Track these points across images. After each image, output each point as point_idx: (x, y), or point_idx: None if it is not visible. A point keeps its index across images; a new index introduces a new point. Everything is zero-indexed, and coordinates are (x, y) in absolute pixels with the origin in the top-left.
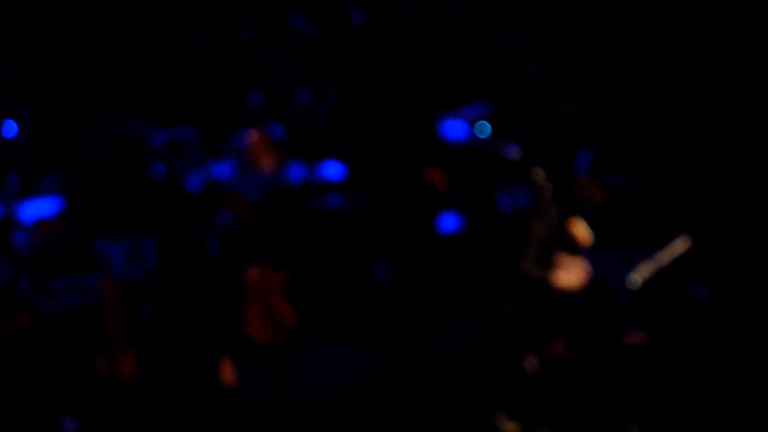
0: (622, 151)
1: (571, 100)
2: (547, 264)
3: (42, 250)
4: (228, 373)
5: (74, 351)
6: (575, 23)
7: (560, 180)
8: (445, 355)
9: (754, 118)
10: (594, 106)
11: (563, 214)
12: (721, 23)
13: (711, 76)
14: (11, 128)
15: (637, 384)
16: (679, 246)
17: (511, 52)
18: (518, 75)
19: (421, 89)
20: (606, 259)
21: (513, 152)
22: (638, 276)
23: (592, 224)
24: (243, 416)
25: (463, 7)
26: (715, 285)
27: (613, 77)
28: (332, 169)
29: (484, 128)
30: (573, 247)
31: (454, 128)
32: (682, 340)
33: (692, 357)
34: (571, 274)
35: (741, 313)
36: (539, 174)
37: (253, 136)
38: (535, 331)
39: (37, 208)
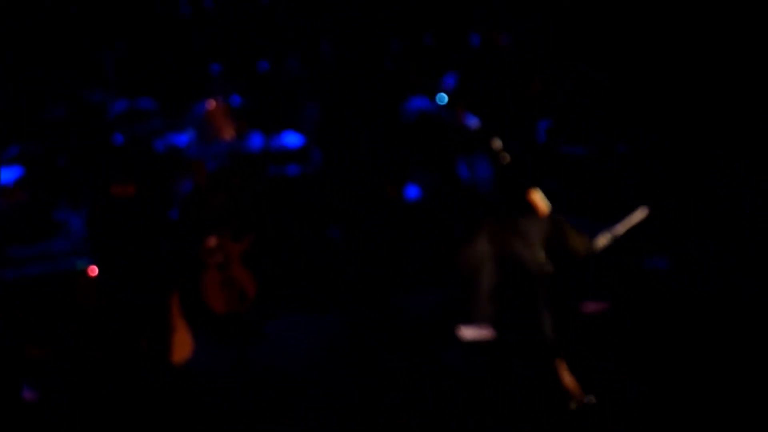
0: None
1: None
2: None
3: (3, 218)
4: (186, 342)
5: (36, 319)
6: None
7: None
8: (406, 322)
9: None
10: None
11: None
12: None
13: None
14: None
15: (594, 354)
16: (637, 216)
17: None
18: (487, 46)
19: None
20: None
21: (472, 122)
22: (596, 244)
23: (553, 194)
24: (205, 387)
25: None
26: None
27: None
28: (292, 138)
29: (442, 98)
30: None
31: (415, 100)
32: (641, 309)
33: (650, 327)
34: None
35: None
36: (497, 144)
37: (212, 105)
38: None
39: None
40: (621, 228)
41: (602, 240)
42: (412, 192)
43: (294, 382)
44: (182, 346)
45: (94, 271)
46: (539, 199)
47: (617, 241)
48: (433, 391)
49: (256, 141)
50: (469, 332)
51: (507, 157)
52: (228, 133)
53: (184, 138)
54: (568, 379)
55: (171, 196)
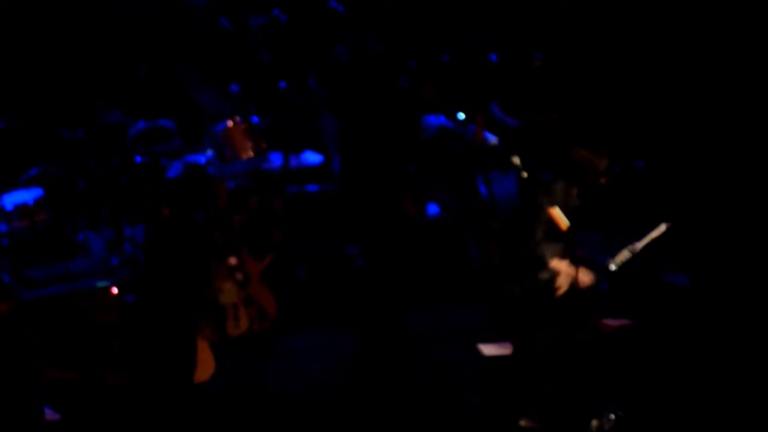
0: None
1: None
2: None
3: (23, 239)
4: (208, 361)
5: (57, 339)
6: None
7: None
8: (423, 341)
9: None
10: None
11: (568, 186)
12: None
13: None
14: None
15: (614, 369)
16: (656, 233)
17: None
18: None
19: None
20: (584, 245)
21: (491, 139)
22: (615, 261)
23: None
24: (224, 405)
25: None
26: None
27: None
28: (311, 157)
29: (460, 115)
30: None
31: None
32: (660, 326)
33: (670, 343)
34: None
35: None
36: (516, 161)
37: (231, 125)
38: (516, 317)
39: (18, 197)
40: (640, 244)
41: (622, 256)
42: (432, 209)
43: (311, 400)
44: (205, 365)
45: (114, 290)
46: (558, 216)
47: (637, 258)
48: (449, 409)
49: (275, 160)
50: (488, 349)
51: (525, 174)
52: (247, 153)
53: (204, 157)
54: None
55: (192, 216)
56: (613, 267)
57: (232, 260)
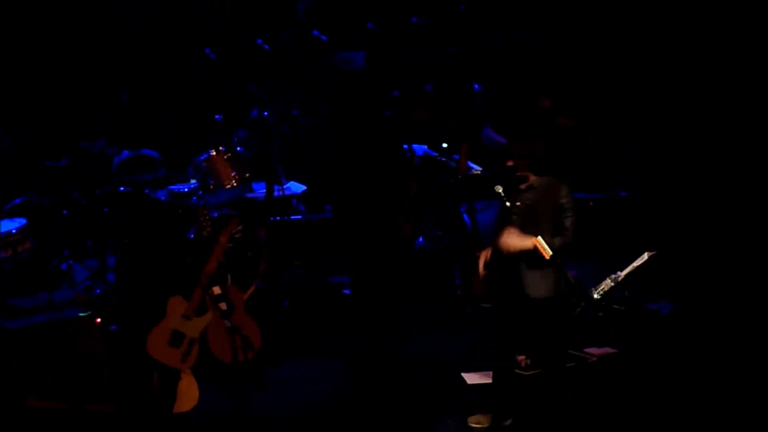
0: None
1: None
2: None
3: (6, 268)
4: (192, 390)
5: (39, 369)
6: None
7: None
8: (412, 364)
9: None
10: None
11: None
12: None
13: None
14: None
15: (599, 396)
16: (638, 262)
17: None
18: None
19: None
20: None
21: (474, 169)
22: (598, 290)
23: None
24: None
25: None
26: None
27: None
28: (295, 186)
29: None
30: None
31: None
32: (643, 354)
33: (653, 371)
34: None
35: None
36: (499, 189)
37: (215, 155)
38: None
39: (1, 227)
40: (623, 273)
41: (605, 285)
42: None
43: (297, 430)
44: (188, 394)
45: (98, 320)
46: (542, 246)
47: (620, 286)
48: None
49: (259, 189)
50: (471, 377)
51: (508, 203)
52: (230, 182)
53: (187, 187)
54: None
55: (176, 244)
56: (596, 296)
57: (216, 289)
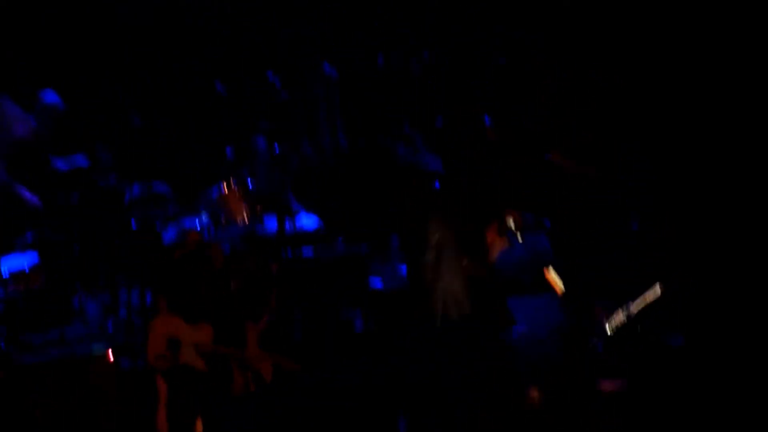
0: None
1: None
2: None
3: (18, 303)
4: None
5: (52, 405)
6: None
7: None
8: (425, 405)
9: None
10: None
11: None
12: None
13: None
14: None
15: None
16: (651, 295)
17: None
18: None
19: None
20: (579, 307)
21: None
22: (611, 324)
23: (566, 274)
24: None
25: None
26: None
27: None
28: (307, 221)
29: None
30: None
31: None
32: (657, 387)
33: (667, 405)
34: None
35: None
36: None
37: (226, 189)
38: (513, 380)
39: (13, 262)
40: (635, 306)
41: (617, 318)
42: None
43: None
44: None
45: (110, 356)
46: (554, 279)
47: (632, 320)
48: None
49: (270, 224)
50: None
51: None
52: (242, 217)
53: (199, 221)
54: None
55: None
56: (608, 329)
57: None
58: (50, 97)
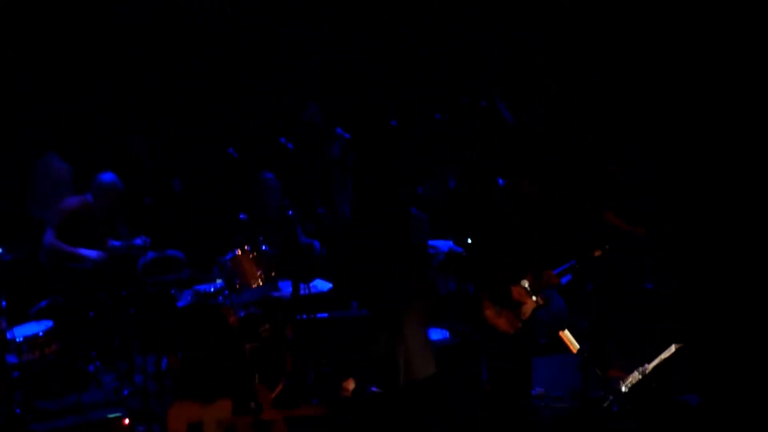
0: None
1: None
2: None
3: (34, 370)
4: None
5: None
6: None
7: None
8: None
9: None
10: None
11: None
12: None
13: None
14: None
15: None
16: (666, 354)
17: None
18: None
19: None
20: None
21: None
22: (626, 383)
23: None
24: None
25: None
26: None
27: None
28: (321, 285)
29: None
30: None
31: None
32: None
33: None
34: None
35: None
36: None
37: (240, 254)
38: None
39: (28, 329)
40: (651, 365)
41: (632, 378)
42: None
43: None
44: None
45: (126, 421)
46: (569, 339)
47: (648, 378)
48: None
49: (285, 288)
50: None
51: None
52: (256, 281)
53: (213, 287)
54: None
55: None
56: (624, 388)
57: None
58: (108, 177)
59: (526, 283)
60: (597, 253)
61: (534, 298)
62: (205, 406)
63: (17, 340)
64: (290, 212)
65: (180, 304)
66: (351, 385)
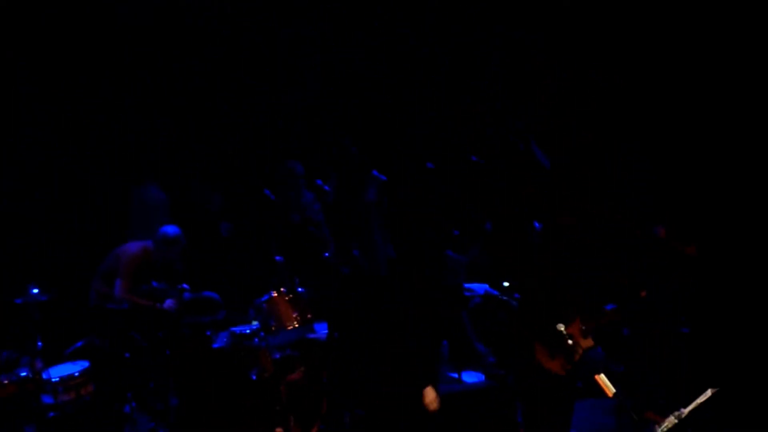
0: None
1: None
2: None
3: (69, 410)
4: None
5: None
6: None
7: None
8: None
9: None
10: None
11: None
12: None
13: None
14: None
15: None
16: (702, 398)
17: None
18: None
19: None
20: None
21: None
22: (662, 428)
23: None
24: None
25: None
26: None
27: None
28: None
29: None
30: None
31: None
32: None
33: None
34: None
35: None
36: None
37: (276, 295)
38: None
39: (63, 370)
40: (687, 410)
41: (668, 422)
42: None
43: None
44: None
45: None
46: (605, 383)
47: (684, 423)
48: None
49: (321, 329)
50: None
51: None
52: (292, 323)
53: (249, 328)
54: None
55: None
56: None
57: (279, 431)
58: (173, 230)
59: (578, 325)
60: (643, 294)
61: (586, 339)
62: None
63: (53, 380)
64: (326, 254)
65: (215, 345)
66: None
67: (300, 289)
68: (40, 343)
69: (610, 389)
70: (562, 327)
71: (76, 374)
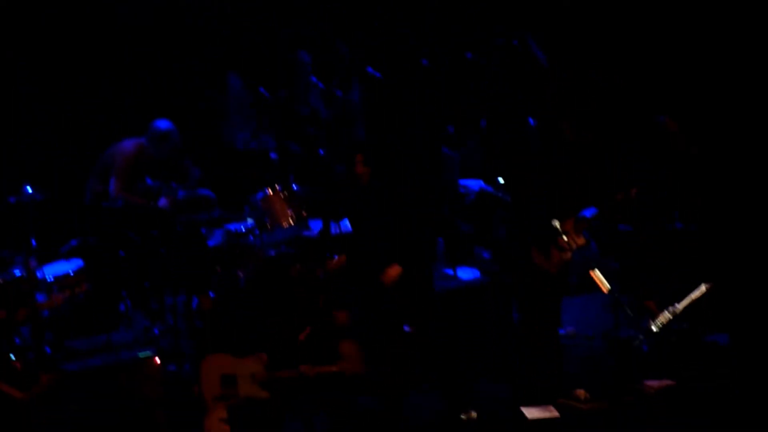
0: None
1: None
2: None
3: (64, 310)
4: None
5: (98, 411)
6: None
7: None
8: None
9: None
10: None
11: None
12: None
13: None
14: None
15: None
16: (696, 293)
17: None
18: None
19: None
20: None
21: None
22: (656, 323)
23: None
24: None
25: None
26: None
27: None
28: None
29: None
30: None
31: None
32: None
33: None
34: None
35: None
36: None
37: (271, 193)
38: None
39: (58, 268)
40: (681, 305)
41: (662, 317)
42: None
43: None
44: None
45: (157, 360)
46: (600, 279)
47: (678, 318)
48: None
49: (315, 227)
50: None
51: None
52: (287, 221)
53: (243, 226)
54: None
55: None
56: (654, 328)
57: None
58: (164, 124)
59: (570, 225)
60: (620, 197)
61: (578, 239)
62: (237, 359)
63: (47, 279)
64: (321, 151)
65: (211, 243)
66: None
67: (295, 186)
68: (34, 242)
69: (605, 285)
70: (557, 223)
71: (71, 273)
